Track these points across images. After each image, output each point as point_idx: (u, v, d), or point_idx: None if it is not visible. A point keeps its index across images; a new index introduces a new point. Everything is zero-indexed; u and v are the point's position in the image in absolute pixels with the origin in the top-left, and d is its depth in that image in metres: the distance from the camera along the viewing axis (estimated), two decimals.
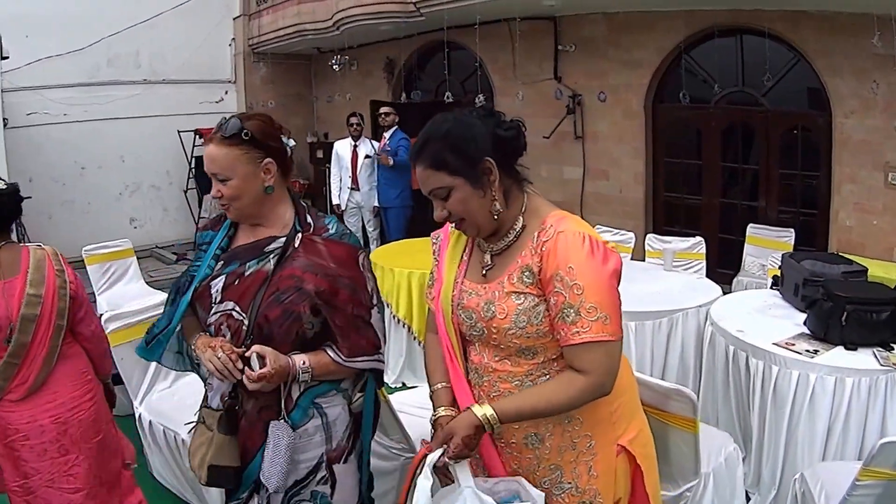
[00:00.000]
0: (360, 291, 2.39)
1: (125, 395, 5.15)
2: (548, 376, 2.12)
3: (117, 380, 4.43)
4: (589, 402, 2.08)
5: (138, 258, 7.91)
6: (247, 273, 2.35)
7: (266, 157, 2.36)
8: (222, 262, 2.41)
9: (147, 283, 7.89)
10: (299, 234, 2.40)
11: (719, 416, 4.38)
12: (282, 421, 2.34)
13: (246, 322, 2.31)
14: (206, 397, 2.54)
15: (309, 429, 2.40)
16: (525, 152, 2.17)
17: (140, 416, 4.37)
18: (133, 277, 7.63)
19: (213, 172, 2.33)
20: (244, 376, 2.23)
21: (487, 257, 2.23)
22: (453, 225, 2.23)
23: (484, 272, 2.23)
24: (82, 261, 7.11)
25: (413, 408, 3.75)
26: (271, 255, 2.36)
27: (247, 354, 2.24)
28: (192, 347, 2.43)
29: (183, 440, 3.94)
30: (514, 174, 2.17)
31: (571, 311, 1.96)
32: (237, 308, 2.33)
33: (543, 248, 2.04)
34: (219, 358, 2.24)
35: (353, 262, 2.41)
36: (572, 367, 2.04)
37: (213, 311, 2.37)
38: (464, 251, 2.35)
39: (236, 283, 2.35)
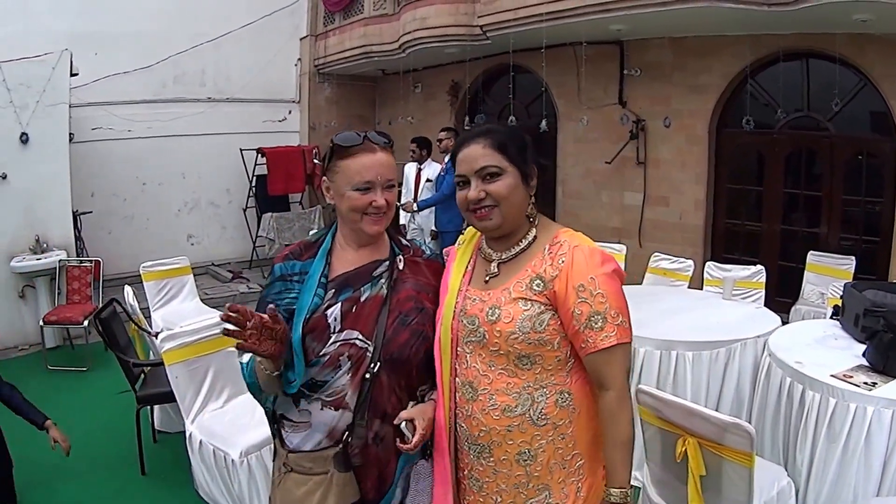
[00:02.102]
0: None
1: (176, 413, 5.53)
2: (544, 389, 2.29)
3: (170, 398, 4.91)
4: (585, 418, 2.33)
5: (194, 275, 8.36)
6: (363, 299, 2.43)
7: None
8: (333, 290, 2.44)
9: (202, 300, 8.33)
10: (400, 257, 2.56)
11: (770, 448, 4.44)
12: (425, 460, 2.52)
13: (371, 349, 2.39)
14: (281, 443, 2.55)
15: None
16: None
17: (191, 434, 4.57)
18: (189, 295, 8.05)
19: (387, 178, 2.44)
20: (401, 446, 2.35)
21: (493, 266, 2.44)
22: (478, 217, 2.40)
23: (487, 279, 2.43)
24: (139, 276, 7.68)
25: None
26: (382, 279, 2.49)
27: (395, 423, 2.36)
28: None
29: (233, 460, 4.22)
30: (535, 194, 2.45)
31: (599, 317, 2.20)
32: (360, 336, 2.40)
33: (561, 261, 2.26)
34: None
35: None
36: (596, 374, 2.26)
37: (330, 341, 2.39)
38: (469, 262, 2.56)
39: (353, 310, 2.41)
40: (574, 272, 2.24)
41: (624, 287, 2.32)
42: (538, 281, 2.29)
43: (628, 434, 2.26)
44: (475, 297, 2.41)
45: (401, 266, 2.54)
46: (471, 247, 2.60)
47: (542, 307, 2.27)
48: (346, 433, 2.40)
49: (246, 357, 2.42)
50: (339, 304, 2.41)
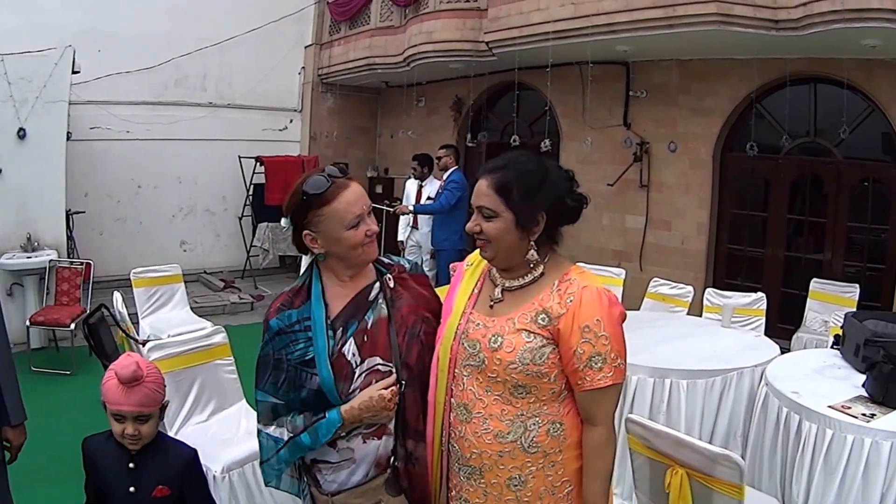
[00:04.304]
0: None
1: (163, 425, 5.56)
2: (537, 419, 2.34)
3: None
4: (575, 448, 2.38)
5: (185, 282, 8.35)
6: (370, 326, 2.50)
7: None
8: (341, 328, 2.48)
9: (192, 308, 8.32)
10: (388, 276, 2.61)
11: (767, 479, 4.42)
12: None
13: (393, 368, 2.47)
14: (318, 489, 2.54)
15: None
16: (574, 222, 2.45)
17: None
18: (179, 304, 8.04)
19: (369, 204, 2.54)
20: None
21: (498, 291, 2.49)
22: (477, 246, 2.49)
23: (491, 304, 2.49)
24: (129, 280, 7.66)
25: None
26: (379, 300, 2.55)
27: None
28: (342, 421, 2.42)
29: (214, 476, 4.12)
30: (555, 232, 2.46)
31: (599, 359, 2.26)
32: (381, 360, 2.47)
33: (569, 300, 2.31)
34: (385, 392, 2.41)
35: (432, 288, 2.75)
36: (587, 410, 2.35)
37: (356, 375, 2.44)
38: (476, 284, 2.62)
39: (366, 339, 2.47)
40: (581, 312, 2.28)
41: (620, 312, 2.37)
42: (543, 315, 2.34)
43: (609, 468, 2.36)
44: (479, 321, 2.47)
45: (391, 284, 2.59)
46: (479, 269, 2.65)
47: (545, 341, 2.32)
48: (392, 458, 2.48)
49: (275, 431, 2.49)
50: (352, 339, 2.46)
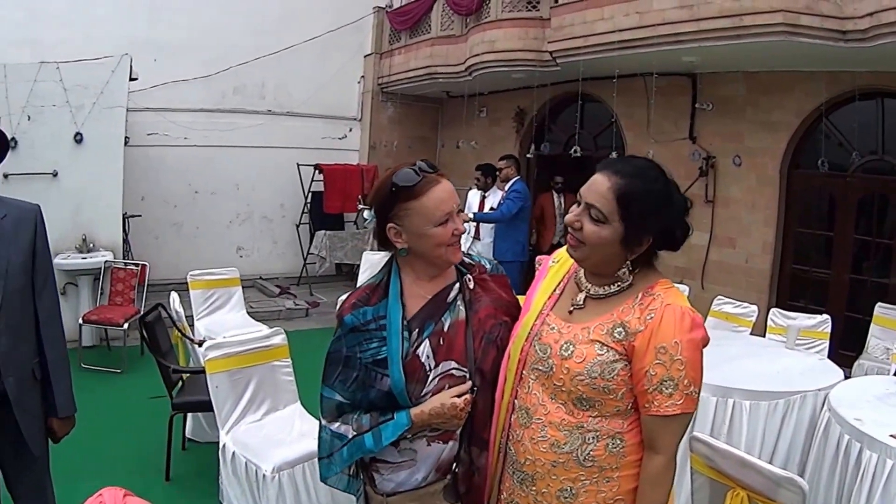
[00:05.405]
0: None
1: (209, 424, 5.68)
2: (597, 433, 2.25)
3: (206, 407, 4.93)
4: (633, 466, 2.28)
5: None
6: (446, 328, 2.45)
7: None
8: (417, 329, 2.44)
9: (247, 312, 8.38)
10: (469, 277, 2.56)
11: None
12: None
13: (468, 373, 2.44)
14: (374, 489, 2.53)
15: None
16: (674, 251, 2.35)
17: (224, 445, 4.58)
18: (236, 307, 8.14)
19: (458, 203, 2.48)
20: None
21: (581, 297, 2.40)
22: (567, 241, 2.40)
23: (571, 310, 2.41)
24: (186, 284, 7.77)
25: None
26: (458, 302, 2.50)
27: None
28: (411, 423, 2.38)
29: (264, 475, 4.22)
30: (653, 253, 2.35)
31: (671, 384, 2.15)
32: (456, 364, 2.43)
33: (649, 317, 2.21)
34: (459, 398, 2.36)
35: (512, 291, 2.67)
36: (650, 435, 2.23)
37: (429, 378, 2.41)
38: (558, 285, 2.54)
39: (441, 342, 2.43)
40: (660, 332, 2.18)
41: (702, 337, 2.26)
42: (620, 329, 2.25)
43: (663, 501, 2.25)
44: (554, 325, 2.40)
45: (471, 286, 2.54)
46: (564, 268, 2.58)
47: (617, 356, 2.23)
48: (454, 463, 2.46)
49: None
50: (427, 342, 2.42)
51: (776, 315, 6.90)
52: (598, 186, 2.26)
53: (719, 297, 7.40)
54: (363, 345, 2.42)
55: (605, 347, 2.23)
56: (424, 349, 2.41)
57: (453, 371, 2.42)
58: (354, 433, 2.43)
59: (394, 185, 2.38)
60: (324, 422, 2.53)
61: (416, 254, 2.47)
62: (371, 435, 2.39)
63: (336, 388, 2.48)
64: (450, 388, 2.39)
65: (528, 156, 11.71)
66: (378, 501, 2.49)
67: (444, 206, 2.39)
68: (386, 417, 2.39)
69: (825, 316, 6.68)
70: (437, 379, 2.40)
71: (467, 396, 2.36)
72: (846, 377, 5.15)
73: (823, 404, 4.63)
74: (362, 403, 2.46)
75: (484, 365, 2.45)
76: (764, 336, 6.78)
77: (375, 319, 2.44)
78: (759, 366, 5.33)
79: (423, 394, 2.39)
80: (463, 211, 2.56)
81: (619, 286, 2.34)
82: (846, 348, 7.61)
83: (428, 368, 2.40)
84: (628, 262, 2.32)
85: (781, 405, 4.71)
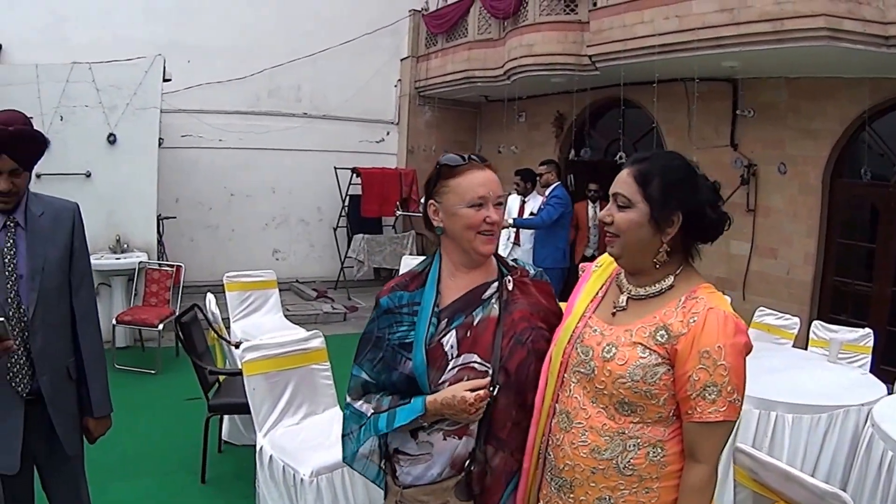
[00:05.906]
0: None
1: (246, 426, 5.71)
2: (638, 440, 2.22)
3: (243, 409, 4.93)
4: (674, 476, 2.23)
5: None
6: (476, 323, 2.47)
7: None
8: (446, 319, 2.48)
9: (284, 315, 8.37)
10: (509, 277, 2.58)
11: None
12: None
13: (490, 370, 2.43)
14: (394, 479, 2.56)
15: None
16: (713, 240, 2.35)
17: (261, 448, 4.57)
18: (272, 309, 8.14)
19: (497, 194, 2.52)
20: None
21: (623, 298, 2.39)
22: (605, 242, 2.41)
23: (613, 312, 2.39)
24: (222, 285, 7.80)
25: None
26: (493, 300, 2.52)
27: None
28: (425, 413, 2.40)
29: (302, 479, 4.19)
30: (691, 245, 2.35)
31: (714, 389, 2.11)
32: (478, 358, 2.44)
33: (692, 320, 2.18)
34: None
35: (555, 299, 2.66)
36: (691, 443, 2.19)
37: (449, 367, 2.43)
38: (601, 287, 2.52)
39: (468, 334, 2.46)
40: (703, 336, 2.15)
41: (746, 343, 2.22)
42: (663, 332, 2.22)
43: None
44: (596, 327, 2.38)
45: (510, 287, 2.56)
46: (607, 272, 2.56)
47: (660, 359, 2.20)
48: (468, 461, 2.43)
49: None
50: (454, 332, 2.46)
51: (818, 328, 6.78)
52: (621, 178, 2.32)
53: (761, 308, 7.30)
54: (393, 327, 2.49)
55: (648, 350, 2.21)
56: (450, 339, 2.45)
57: (474, 364, 2.43)
58: (373, 412, 2.50)
59: (439, 163, 2.53)
60: (348, 399, 2.61)
61: (450, 235, 2.54)
62: (386, 416, 2.45)
63: (364, 366, 2.57)
64: (468, 380, 2.40)
65: (574, 158, 11.66)
66: (395, 493, 2.53)
67: (479, 190, 2.45)
68: (404, 401, 2.44)
69: (868, 330, 6.58)
70: (456, 369, 2.43)
71: (480, 392, 2.34)
72: (889, 393, 5.09)
73: (867, 420, 4.58)
74: (386, 384, 2.52)
75: (509, 364, 2.44)
76: (806, 349, 6.68)
77: (410, 305, 2.51)
78: (802, 379, 5.30)
79: (441, 381, 2.42)
80: (502, 206, 2.57)
81: (660, 287, 2.32)
82: (888, 363, 7.50)
83: (449, 357, 2.44)
84: (665, 247, 2.29)
85: (824, 419, 4.67)
